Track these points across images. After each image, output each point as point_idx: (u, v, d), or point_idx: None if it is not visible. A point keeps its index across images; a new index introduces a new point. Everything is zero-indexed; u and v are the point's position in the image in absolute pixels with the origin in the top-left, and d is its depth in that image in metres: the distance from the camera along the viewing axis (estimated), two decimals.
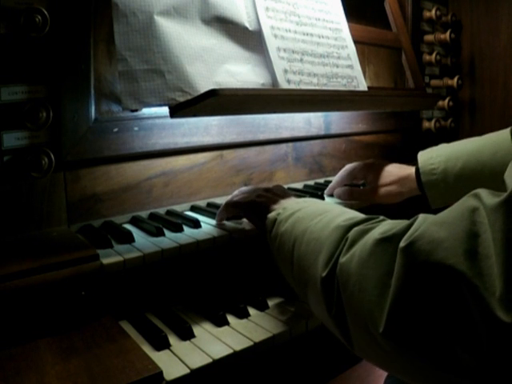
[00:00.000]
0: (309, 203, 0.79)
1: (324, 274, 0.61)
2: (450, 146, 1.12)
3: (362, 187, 1.21)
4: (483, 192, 0.48)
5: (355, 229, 0.61)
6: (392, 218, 0.62)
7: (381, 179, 1.14)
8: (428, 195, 1.09)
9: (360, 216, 0.66)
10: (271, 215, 0.80)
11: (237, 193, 0.99)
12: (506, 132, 1.07)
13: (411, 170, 1.12)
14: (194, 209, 1.07)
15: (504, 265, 0.42)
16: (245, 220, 0.97)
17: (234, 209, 0.94)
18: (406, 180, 1.12)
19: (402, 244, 0.50)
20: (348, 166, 1.21)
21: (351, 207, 0.80)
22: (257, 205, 0.87)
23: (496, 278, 0.42)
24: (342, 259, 0.59)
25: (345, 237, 0.61)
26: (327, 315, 0.62)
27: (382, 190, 1.13)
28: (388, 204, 1.15)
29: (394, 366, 0.54)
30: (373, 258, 0.54)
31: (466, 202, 0.49)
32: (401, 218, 0.59)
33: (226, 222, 0.97)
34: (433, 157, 1.09)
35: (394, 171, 1.15)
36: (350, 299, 0.56)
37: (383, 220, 0.63)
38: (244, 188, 1.01)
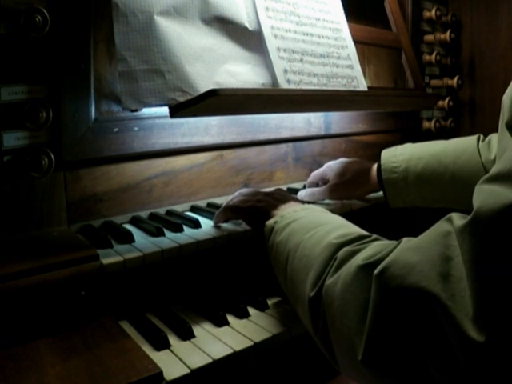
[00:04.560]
0: (306, 212, 0.78)
1: (312, 294, 0.61)
2: (415, 145, 1.12)
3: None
4: (455, 216, 0.49)
5: (344, 249, 0.61)
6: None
7: (339, 177, 1.15)
8: (387, 193, 1.09)
9: (353, 233, 0.66)
10: (269, 223, 0.80)
11: (237, 194, 0.98)
12: (472, 138, 1.07)
13: (372, 166, 1.13)
14: (193, 209, 1.07)
15: (474, 285, 0.43)
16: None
17: (232, 213, 0.93)
18: (364, 177, 1.13)
19: (376, 271, 0.51)
20: (320, 169, 1.22)
21: (346, 216, 0.79)
22: (256, 210, 0.87)
23: (468, 300, 0.43)
24: (328, 281, 0.59)
25: (334, 256, 0.62)
26: (314, 335, 0.63)
27: (340, 187, 1.13)
28: (386, 207, 1.16)
29: None
30: (355, 284, 0.55)
31: (440, 226, 0.50)
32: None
33: (224, 224, 0.97)
34: (396, 155, 1.09)
35: (352, 168, 1.15)
36: (333, 323, 0.57)
37: (375, 240, 0.63)
38: (244, 190, 1.00)
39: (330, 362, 0.62)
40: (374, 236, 0.64)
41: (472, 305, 0.42)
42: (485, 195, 0.46)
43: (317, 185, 1.23)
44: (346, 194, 1.14)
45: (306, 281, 0.64)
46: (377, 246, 0.58)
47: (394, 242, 0.56)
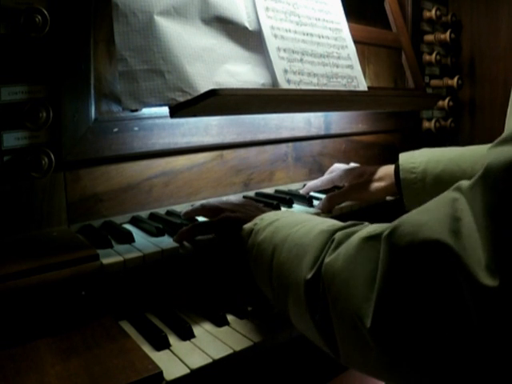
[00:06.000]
0: (287, 214, 0.78)
1: (309, 276, 0.59)
2: (433, 149, 1.13)
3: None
4: (463, 182, 0.50)
5: (341, 232, 0.60)
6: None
7: (357, 178, 1.16)
8: (404, 193, 1.09)
9: (343, 223, 0.65)
10: (247, 226, 0.79)
11: (199, 207, 0.96)
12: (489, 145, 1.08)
13: (390, 167, 1.13)
14: None
15: (487, 235, 0.43)
16: None
17: (206, 229, 0.88)
18: (382, 177, 1.13)
19: (385, 233, 0.50)
20: (333, 174, 1.22)
21: (347, 217, 0.79)
22: (231, 220, 0.85)
23: (481, 252, 0.42)
24: (327, 259, 0.58)
25: (330, 239, 0.60)
26: (310, 322, 0.60)
27: (358, 188, 1.14)
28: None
29: (382, 371, 0.53)
30: (360, 255, 0.54)
31: (448, 194, 0.50)
32: None
33: None
34: (414, 156, 1.10)
35: (369, 169, 1.16)
36: (336, 298, 0.55)
37: (368, 225, 0.62)
38: (205, 202, 0.98)
39: (329, 350, 0.59)
40: (366, 223, 0.64)
41: (485, 255, 0.42)
42: (495, 154, 0.46)
43: (326, 191, 1.23)
44: (364, 196, 1.14)
45: (300, 267, 0.62)
46: (375, 225, 0.57)
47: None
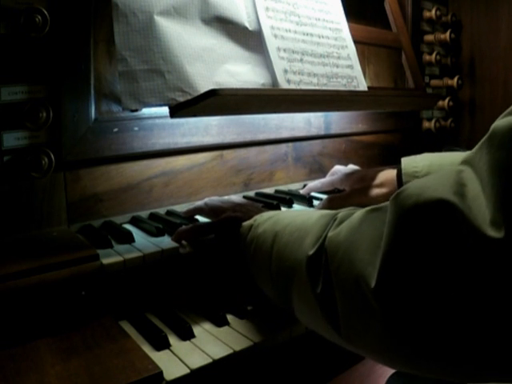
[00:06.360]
0: (286, 211, 0.79)
1: (311, 252, 0.59)
2: (434, 154, 1.13)
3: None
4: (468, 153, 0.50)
5: (343, 212, 0.62)
6: None
7: (359, 183, 1.15)
8: None
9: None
10: (246, 223, 0.79)
11: (203, 205, 0.97)
12: None
13: (391, 172, 1.13)
14: None
15: (493, 192, 0.43)
16: None
17: (209, 230, 0.88)
18: (383, 182, 1.13)
19: (392, 197, 0.51)
20: (334, 177, 1.23)
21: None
22: (232, 219, 0.85)
23: (486, 211, 0.43)
24: (331, 233, 0.58)
25: (333, 218, 0.61)
26: (312, 298, 0.60)
27: (359, 192, 1.14)
28: None
29: (383, 346, 0.52)
30: (364, 225, 0.54)
31: (454, 167, 0.51)
32: None
33: None
34: (416, 161, 1.10)
35: (371, 174, 1.16)
36: (339, 266, 0.55)
37: None
38: (212, 199, 0.99)
39: (331, 328, 0.58)
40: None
41: (489, 213, 0.42)
42: (500, 122, 0.46)
43: (326, 192, 1.23)
44: (364, 201, 1.14)
45: (302, 247, 0.62)
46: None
47: None
